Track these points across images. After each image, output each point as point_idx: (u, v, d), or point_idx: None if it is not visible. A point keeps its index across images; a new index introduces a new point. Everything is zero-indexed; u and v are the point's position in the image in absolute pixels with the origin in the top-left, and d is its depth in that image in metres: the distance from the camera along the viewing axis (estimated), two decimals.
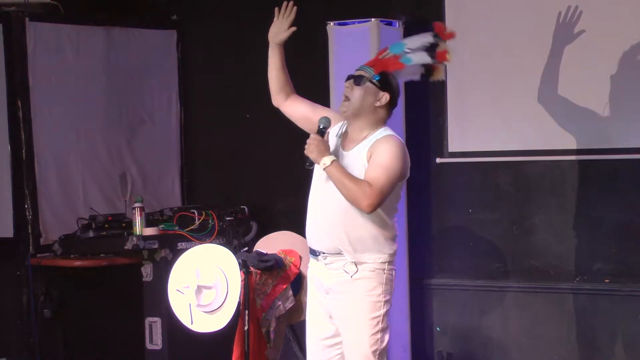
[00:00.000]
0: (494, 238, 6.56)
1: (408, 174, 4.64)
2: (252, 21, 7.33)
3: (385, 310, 4.61)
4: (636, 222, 6.15)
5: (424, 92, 6.72)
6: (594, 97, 6.20)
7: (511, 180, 6.52)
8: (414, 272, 6.56)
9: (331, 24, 6.56)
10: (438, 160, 6.67)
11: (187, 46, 7.58)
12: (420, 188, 6.68)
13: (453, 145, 6.63)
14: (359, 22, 6.49)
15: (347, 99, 4.64)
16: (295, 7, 4.88)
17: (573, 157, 6.29)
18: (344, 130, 4.71)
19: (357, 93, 4.63)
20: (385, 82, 4.65)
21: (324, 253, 4.65)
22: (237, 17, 7.37)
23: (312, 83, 6.89)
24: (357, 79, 4.64)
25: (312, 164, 4.58)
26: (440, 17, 6.60)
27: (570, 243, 6.34)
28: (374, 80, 4.63)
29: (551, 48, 6.24)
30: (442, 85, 6.63)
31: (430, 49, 4.72)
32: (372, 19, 6.42)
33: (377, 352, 4.58)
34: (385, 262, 4.61)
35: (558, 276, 6.38)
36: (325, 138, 4.59)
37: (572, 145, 6.27)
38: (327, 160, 4.50)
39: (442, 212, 6.71)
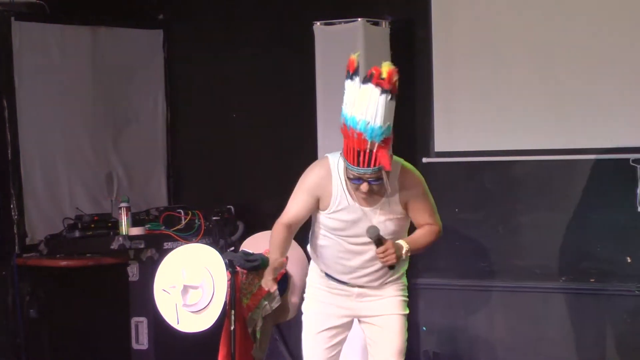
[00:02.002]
0: (480, 238, 6.57)
1: None
2: (238, 20, 7.34)
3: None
4: (621, 221, 6.16)
5: (411, 92, 6.73)
6: (580, 97, 6.21)
7: (497, 179, 6.53)
8: None
9: (318, 23, 6.56)
10: (424, 160, 6.67)
11: (174, 46, 7.57)
12: None
13: (439, 145, 6.64)
14: (345, 22, 6.49)
15: (370, 194, 4.48)
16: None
17: (559, 157, 6.30)
18: (346, 189, 4.55)
19: (381, 184, 4.46)
20: (390, 157, 4.47)
21: (359, 286, 4.74)
22: (223, 16, 7.37)
23: (298, 83, 6.91)
24: (377, 182, 4.43)
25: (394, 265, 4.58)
26: (427, 17, 6.62)
27: (556, 243, 6.36)
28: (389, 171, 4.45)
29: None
30: (429, 85, 6.64)
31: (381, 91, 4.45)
32: (359, 19, 6.42)
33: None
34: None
35: (544, 276, 6.40)
36: (383, 240, 4.49)
37: (558, 145, 6.28)
38: (406, 247, 4.55)
39: None
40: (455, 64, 6.56)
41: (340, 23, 6.52)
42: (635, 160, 6.05)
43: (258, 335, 5.52)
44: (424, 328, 6.72)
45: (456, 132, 6.59)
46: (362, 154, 4.37)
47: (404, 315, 4.76)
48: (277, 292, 5.48)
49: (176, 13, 7.56)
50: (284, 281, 5.52)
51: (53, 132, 6.94)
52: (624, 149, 6.09)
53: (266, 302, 5.48)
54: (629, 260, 6.17)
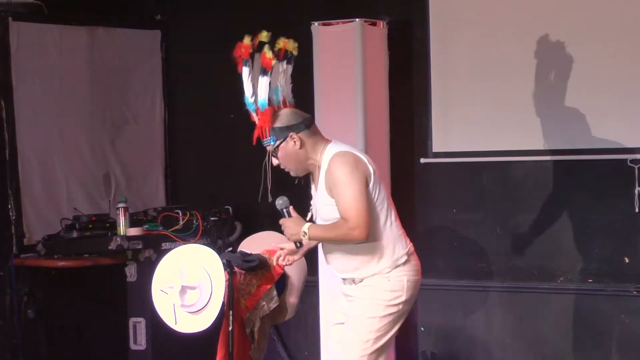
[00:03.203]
0: (478, 238, 6.57)
1: (372, 173, 4.57)
2: (236, 20, 7.33)
3: (385, 314, 4.62)
4: (619, 222, 6.17)
5: (409, 92, 6.74)
6: (578, 98, 6.21)
7: (495, 180, 6.53)
8: None
9: (315, 24, 6.56)
10: (422, 160, 6.67)
11: (171, 46, 7.57)
12: (405, 188, 6.69)
13: (437, 145, 6.64)
14: (343, 22, 6.49)
15: (285, 169, 4.71)
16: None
17: (557, 158, 6.31)
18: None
19: (283, 159, 4.66)
20: (280, 132, 4.63)
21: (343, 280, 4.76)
22: (221, 16, 7.36)
23: (296, 83, 6.90)
24: (272, 154, 4.68)
25: (300, 242, 4.69)
26: (424, 17, 6.62)
27: (554, 243, 6.36)
28: (276, 144, 4.64)
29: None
30: (426, 85, 6.64)
31: (258, 72, 4.73)
32: (357, 19, 6.42)
33: (371, 355, 4.61)
34: (387, 268, 4.62)
35: (542, 276, 6.40)
36: (293, 215, 4.65)
37: (556, 145, 6.29)
38: (305, 229, 4.57)
39: (427, 212, 6.72)
40: (452, 65, 6.57)
41: (338, 23, 6.52)
42: (633, 161, 6.05)
43: (256, 336, 5.51)
44: (422, 328, 6.72)
45: (454, 132, 6.59)
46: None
47: (369, 319, 4.59)
48: (275, 292, 5.49)
49: (174, 13, 7.56)
50: (281, 282, 5.52)
51: (51, 133, 6.93)
52: (621, 150, 6.10)
53: (264, 303, 5.47)
54: (627, 261, 6.17)
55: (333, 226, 4.55)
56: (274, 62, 4.68)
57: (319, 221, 4.64)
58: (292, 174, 4.71)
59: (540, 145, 6.32)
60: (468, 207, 6.61)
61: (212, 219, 6.82)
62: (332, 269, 4.76)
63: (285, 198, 4.67)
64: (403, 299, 4.63)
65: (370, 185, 4.55)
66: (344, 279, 4.71)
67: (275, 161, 4.68)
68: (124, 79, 7.36)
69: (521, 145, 6.38)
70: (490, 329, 6.55)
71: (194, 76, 7.54)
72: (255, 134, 4.69)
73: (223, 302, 5.25)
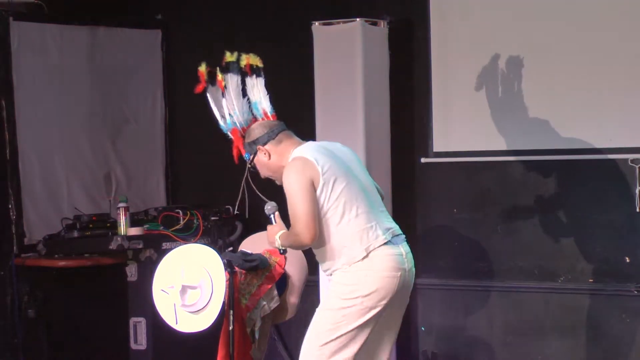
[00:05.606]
0: (479, 238, 6.57)
1: (320, 174, 4.65)
2: (236, 20, 7.34)
3: (339, 306, 4.68)
4: (619, 221, 6.17)
5: (409, 92, 6.74)
6: (579, 97, 6.22)
7: (496, 180, 6.53)
8: None
9: (316, 23, 6.56)
10: (423, 160, 6.67)
11: (172, 46, 7.57)
12: (405, 188, 6.70)
13: (438, 145, 6.64)
14: (344, 22, 6.49)
15: (270, 179, 4.92)
16: None
17: (557, 157, 6.31)
18: None
19: (260, 171, 4.93)
20: (249, 147, 4.91)
21: None
22: (221, 16, 7.37)
23: (297, 83, 6.91)
24: (253, 170, 4.98)
25: (283, 249, 4.83)
26: (425, 17, 6.62)
27: (554, 243, 6.36)
28: (250, 158, 4.92)
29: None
30: (427, 85, 6.64)
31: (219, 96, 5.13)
32: (357, 19, 6.42)
33: (325, 345, 4.68)
34: (345, 265, 4.70)
35: (542, 276, 6.40)
36: (277, 221, 4.83)
37: (556, 145, 6.29)
38: (278, 237, 4.77)
39: (427, 212, 6.72)
40: (453, 64, 6.57)
41: (338, 23, 6.52)
42: (634, 160, 6.05)
43: (257, 336, 5.52)
44: (423, 328, 6.72)
45: (455, 132, 6.59)
46: None
47: (325, 310, 4.73)
48: (276, 292, 5.49)
49: (174, 13, 7.55)
50: (282, 281, 5.52)
51: (51, 132, 6.93)
52: (622, 149, 6.10)
53: (264, 303, 5.47)
54: (628, 260, 6.17)
55: (288, 234, 4.74)
56: (224, 82, 5.07)
57: None
58: (278, 182, 4.85)
59: (541, 145, 6.33)
60: (468, 206, 6.61)
61: (212, 218, 6.82)
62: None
63: (273, 204, 4.86)
64: (360, 293, 4.64)
65: (320, 187, 4.63)
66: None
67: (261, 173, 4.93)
68: (124, 78, 7.35)
69: (522, 145, 6.38)
70: (490, 328, 6.55)
71: (195, 76, 7.51)
72: (236, 152, 4.98)
73: (224, 302, 5.25)
